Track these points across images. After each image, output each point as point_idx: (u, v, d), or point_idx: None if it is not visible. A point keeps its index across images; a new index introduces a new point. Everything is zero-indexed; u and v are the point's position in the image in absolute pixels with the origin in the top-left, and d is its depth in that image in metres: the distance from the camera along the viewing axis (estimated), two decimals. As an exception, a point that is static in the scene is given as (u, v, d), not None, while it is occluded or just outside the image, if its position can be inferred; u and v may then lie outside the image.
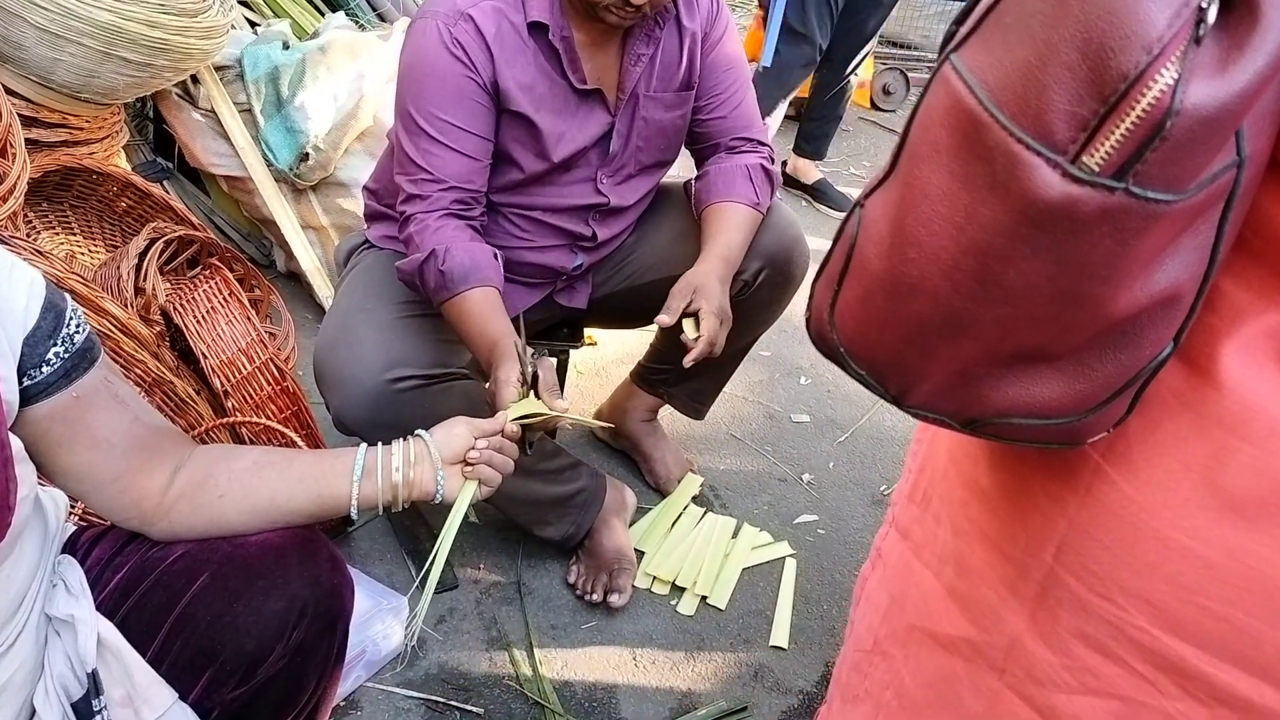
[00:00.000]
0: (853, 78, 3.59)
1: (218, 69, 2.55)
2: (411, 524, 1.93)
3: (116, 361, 1.61)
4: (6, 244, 1.52)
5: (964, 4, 0.51)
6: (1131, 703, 0.58)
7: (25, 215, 2.12)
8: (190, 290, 1.75)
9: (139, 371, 1.66)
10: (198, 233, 2.21)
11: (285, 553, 1.04)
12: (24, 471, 0.94)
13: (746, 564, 2.02)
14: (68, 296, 0.99)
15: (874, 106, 5.02)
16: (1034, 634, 0.62)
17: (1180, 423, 0.55)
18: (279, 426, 1.65)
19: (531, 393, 1.33)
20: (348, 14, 3.04)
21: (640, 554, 1.98)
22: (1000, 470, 0.65)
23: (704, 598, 1.92)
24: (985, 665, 0.66)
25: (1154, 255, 0.47)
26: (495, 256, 1.56)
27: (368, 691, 1.63)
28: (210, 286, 1.74)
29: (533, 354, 1.38)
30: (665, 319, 1.56)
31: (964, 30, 0.49)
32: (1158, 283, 0.48)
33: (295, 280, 2.68)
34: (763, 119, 2.01)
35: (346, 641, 1.11)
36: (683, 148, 1.86)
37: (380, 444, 1.14)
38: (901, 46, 5.43)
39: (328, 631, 1.05)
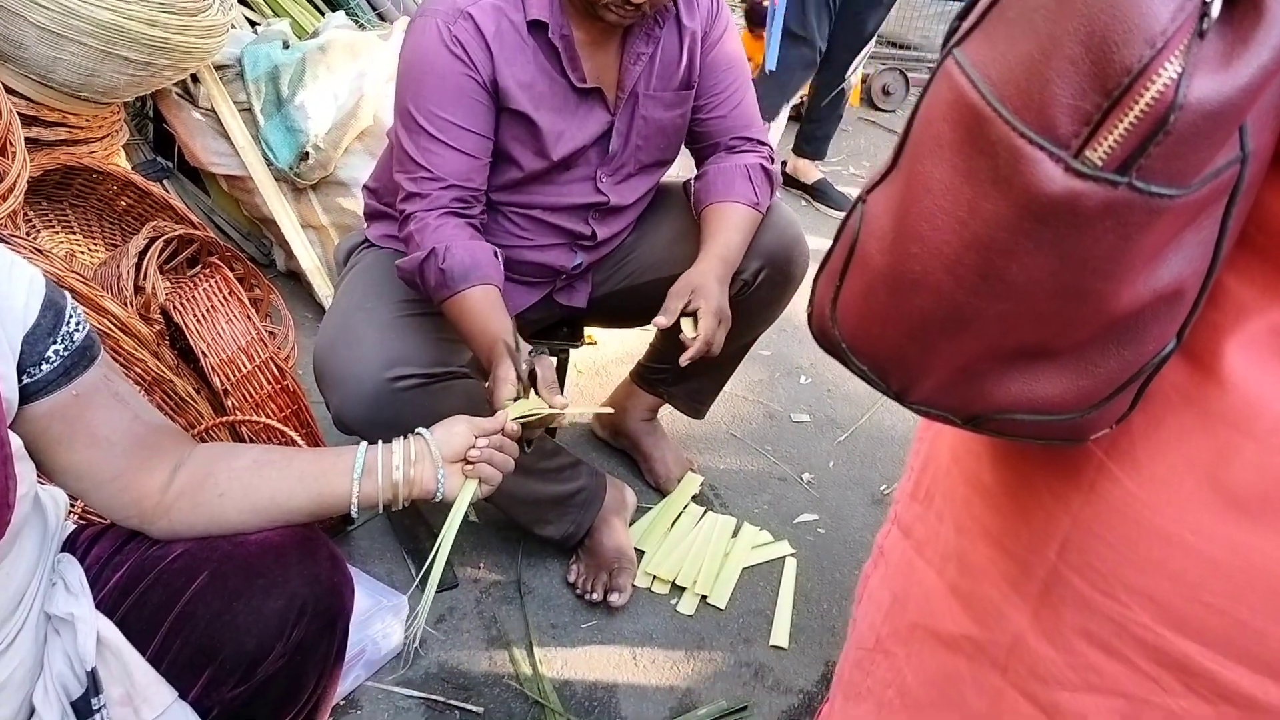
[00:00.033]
0: (853, 78, 3.60)
1: (218, 68, 2.55)
2: (411, 523, 1.93)
3: (116, 360, 1.61)
4: (6, 242, 1.51)
5: (965, 2, 0.51)
6: (1135, 700, 0.58)
7: (25, 214, 2.12)
8: (190, 289, 1.75)
9: (139, 370, 1.66)
10: (197, 232, 2.21)
11: (285, 551, 1.04)
12: (23, 469, 0.94)
13: (746, 563, 2.02)
14: (67, 294, 0.99)
15: (872, 106, 5.02)
16: (1037, 631, 0.62)
17: (1184, 420, 0.54)
18: (279, 425, 1.65)
19: (531, 391, 1.33)
20: (348, 13, 3.04)
21: (640, 553, 1.98)
22: (1003, 467, 0.65)
23: (704, 597, 1.92)
24: (988, 663, 0.66)
25: (1157, 250, 0.47)
26: (495, 254, 1.56)
27: (367, 690, 1.62)
28: (210, 285, 1.74)
29: (530, 351, 1.38)
30: (662, 320, 1.56)
31: (967, 25, 0.49)
32: (1161, 278, 0.48)
33: (295, 279, 2.68)
34: (766, 124, 2.01)
35: (346, 640, 1.11)
36: (682, 147, 1.86)
37: (380, 442, 1.14)
38: (901, 47, 5.44)
39: (328, 630, 1.05)
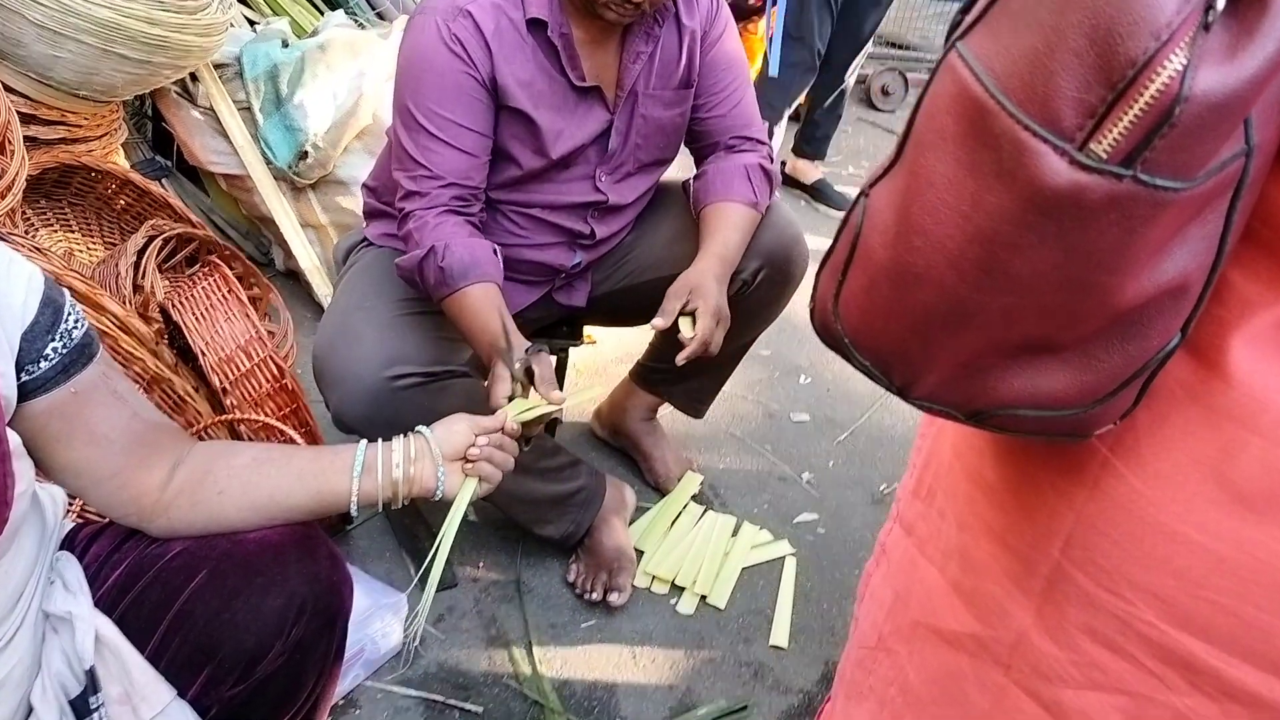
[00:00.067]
0: (851, 78, 3.61)
1: (217, 67, 2.55)
2: (411, 522, 1.93)
3: (115, 359, 1.61)
4: (5, 240, 1.51)
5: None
6: (1139, 698, 0.58)
7: (23, 212, 2.11)
8: (189, 287, 1.75)
9: (137, 369, 1.66)
10: (196, 230, 2.21)
11: (284, 550, 1.04)
12: (22, 467, 0.94)
13: (746, 563, 2.02)
14: (66, 292, 0.99)
15: (871, 106, 5.02)
16: (1040, 629, 0.62)
17: (1189, 416, 0.54)
18: (278, 424, 1.65)
19: (531, 389, 1.33)
20: (347, 12, 3.03)
21: (640, 553, 1.98)
22: (1006, 464, 0.64)
23: (704, 596, 1.92)
24: (991, 661, 0.65)
25: (1162, 244, 0.46)
26: (495, 252, 1.55)
27: (366, 690, 1.62)
28: (209, 284, 1.73)
29: (528, 349, 1.37)
30: (660, 322, 1.56)
31: (970, 18, 0.48)
32: (1165, 272, 0.47)
33: (294, 279, 2.68)
34: (769, 129, 2.01)
35: (345, 639, 1.11)
36: (682, 146, 1.86)
37: (380, 440, 1.13)
38: (899, 47, 5.44)
39: (327, 629, 1.05)
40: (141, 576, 1.02)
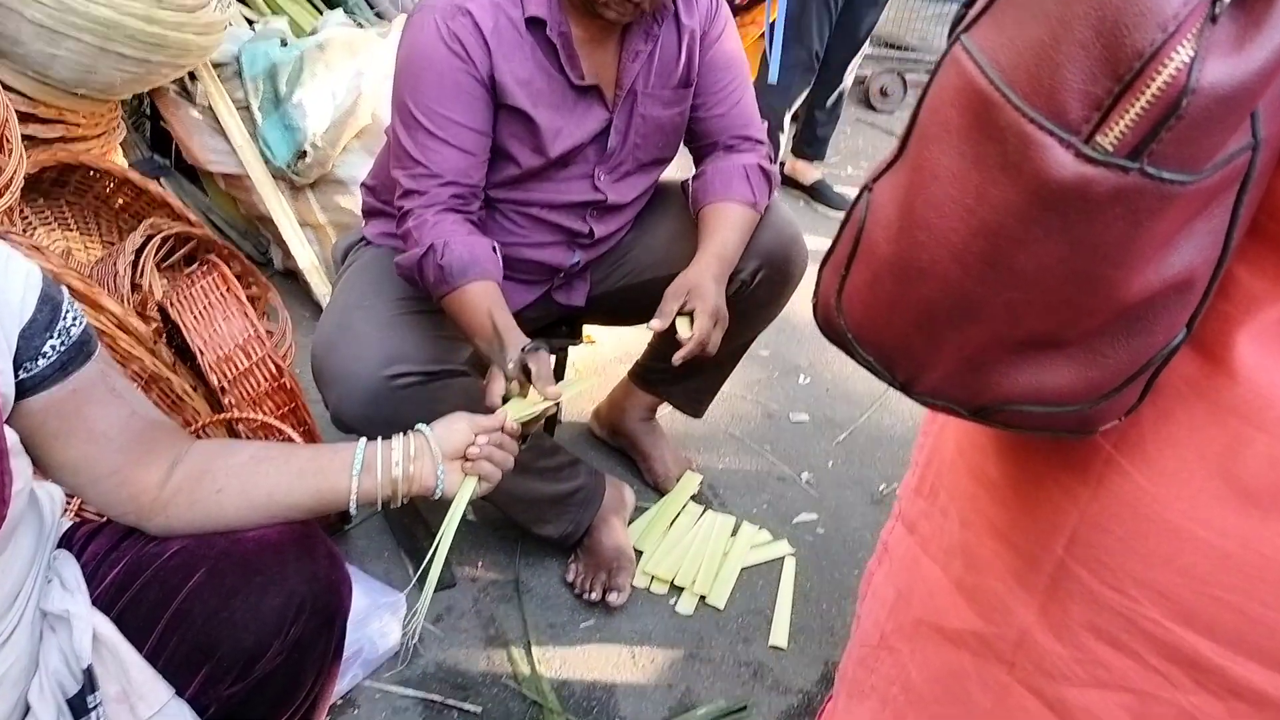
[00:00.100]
0: (849, 79, 3.62)
1: (215, 66, 2.54)
2: (409, 522, 1.92)
3: (113, 358, 1.60)
4: (3, 238, 1.51)
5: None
6: (1144, 696, 0.57)
7: (21, 211, 2.11)
8: (187, 286, 1.74)
9: (135, 368, 1.65)
10: (195, 229, 2.20)
11: (283, 548, 1.03)
12: (19, 465, 0.94)
13: (745, 563, 2.02)
14: (64, 289, 0.99)
15: (870, 108, 5.02)
16: (1044, 627, 0.61)
17: (1194, 412, 0.54)
18: (276, 423, 1.64)
19: (530, 389, 1.33)
20: (346, 12, 3.03)
21: (639, 552, 1.97)
22: (1010, 461, 0.64)
23: (703, 597, 1.91)
24: (994, 659, 0.65)
25: (1168, 238, 0.46)
26: (494, 250, 1.55)
27: (365, 690, 1.62)
28: (207, 282, 1.73)
29: (524, 347, 1.37)
30: (657, 324, 1.56)
31: (974, 11, 0.48)
32: (1171, 266, 0.47)
33: (292, 278, 2.67)
34: (771, 134, 2.01)
35: (344, 638, 1.11)
36: (681, 145, 1.85)
37: (380, 439, 1.13)
38: (898, 48, 5.45)
39: (326, 627, 1.05)
40: (139, 575, 1.01)
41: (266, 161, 2.53)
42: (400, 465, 1.10)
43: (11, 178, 1.70)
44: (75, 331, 0.97)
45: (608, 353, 2.64)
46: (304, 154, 2.48)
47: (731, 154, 1.80)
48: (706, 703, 1.70)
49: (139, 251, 1.93)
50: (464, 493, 1.16)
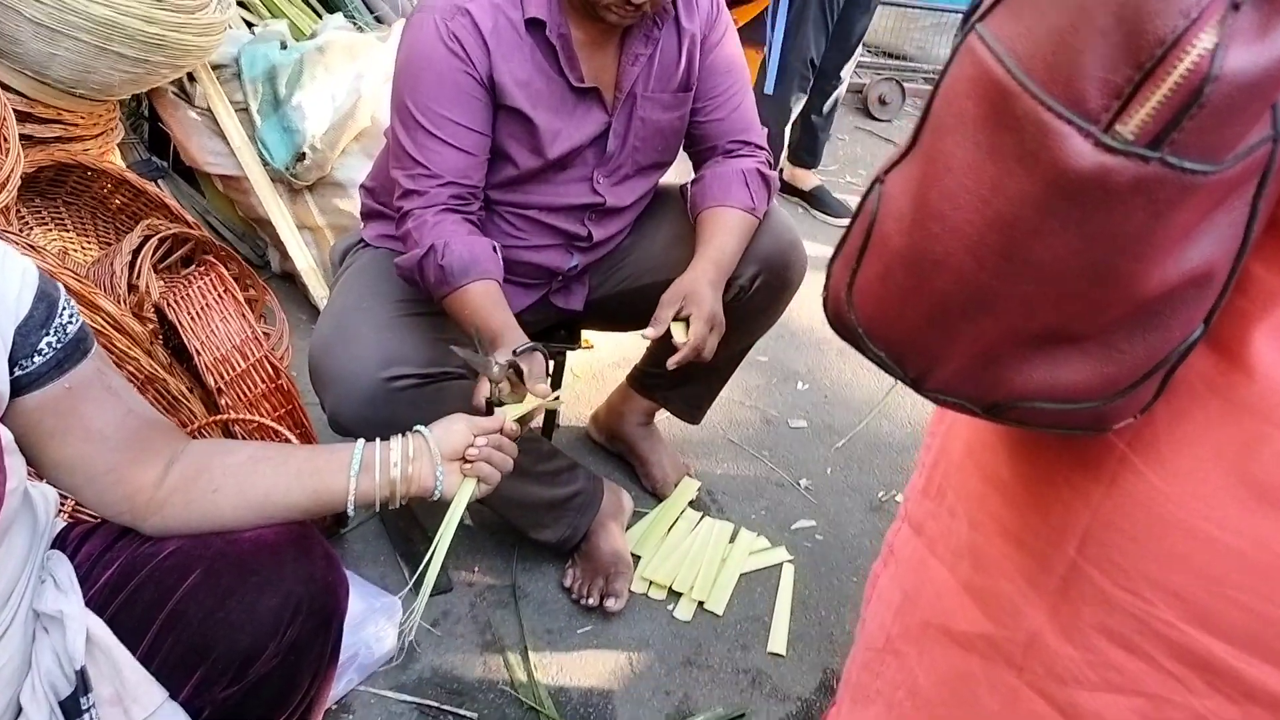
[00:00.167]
0: (843, 85, 3.63)
1: (215, 68, 2.54)
2: (405, 526, 1.91)
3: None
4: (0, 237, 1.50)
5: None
6: (1157, 700, 0.56)
7: (18, 211, 2.10)
8: (184, 286, 1.73)
9: (131, 369, 1.64)
10: (192, 230, 2.19)
11: (279, 549, 1.02)
12: (14, 463, 0.93)
13: (744, 569, 2.01)
14: (60, 286, 0.98)
15: (869, 116, 5.03)
16: (1055, 629, 0.60)
17: (1209, 410, 0.53)
18: (273, 424, 1.63)
19: (526, 391, 1.33)
20: (346, 16, 3.02)
21: (636, 558, 1.96)
22: (1021, 461, 0.63)
23: (701, 603, 1.90)
24: (1003, 662, 0.64)
25: (1187, 230, 0.45)
26: (494, 250, 1.55)
27: (360, 695, 1.60)
28: (205, 283, 1.72)
29: (515, 349, 1.37)
30: (651, 332, 1.56)
31: (989, 0, 0.47)
32: (1190, 259, 0.46)
33: (290, 281, 2.66)
34: (771, 141, 2.01)
35: (341, 641, 1.10)
36: (681, 150, 1.85)
37: (379, 439, 1.12)
38: (896, 57, 5.47)
39: (322, 629, 1.04)
40: (134, 575, 1.00)
41: (265, 164, 2.52)
42: (399, 466, 1.10)
43: (8, 177, 1.69)
44: (71, 329, 0.96)
45: (605, 357, 2.64)
46: (303, 156, 2.47)
47: (730, 159, 1.79)
48: (704, 710, 1.69)
49: (136, 252, 1.92)
50: (463, 494, 1.15)
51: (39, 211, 2.22)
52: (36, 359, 0.93)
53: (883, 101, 5.03)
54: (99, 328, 1.58)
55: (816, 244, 3.22)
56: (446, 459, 1.13)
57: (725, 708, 1.70)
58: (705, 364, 1.62)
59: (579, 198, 1.72)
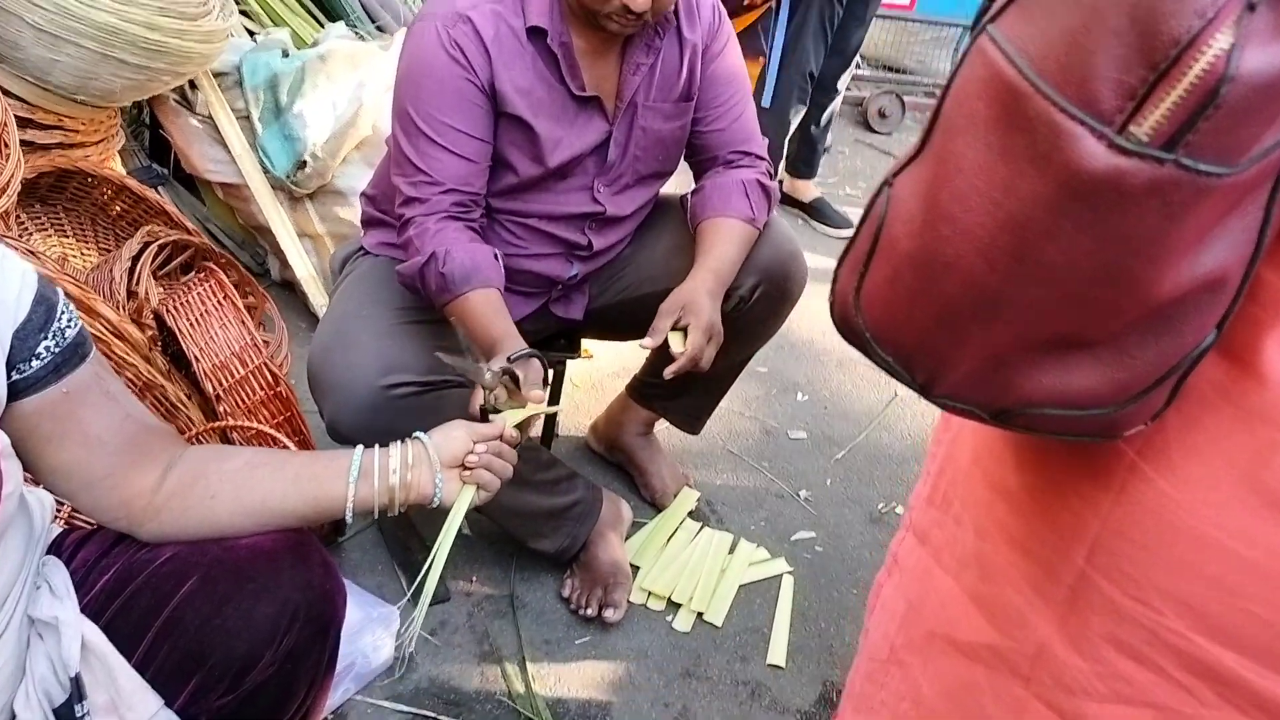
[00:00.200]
0: (840, 97, 3.64)
1: (216, 75, 2.54)
2: (403, 535, 1.90)
3: (107, 364, 1.59)
4: (-3, 242, 1.49)
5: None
6: (1167, 711, 0.55)
7: (18, 216, 2.09)
8: (184, 293, 1.72)
9: (129, 375, 1.63)
10: (192, 238, 2.19)
11: (277, 555, 1.01)
12: (10, 468, 0.92)
13: (743, 580, 2.00)
14: (59, 290, 0.97)
15: (869, 129, 5.04)
16: (1063, 639, 0.59)
17: (1221, 418, 0.52)
18: (271, 431, 1.62)
19: (520, 396, 1.32)
20: (348, 24, 3.03)
21: (635, 568, 1.95)
22: (1028, 469, 0.62)
23: (700, 614, 1.89)
24: (1009, 673, 0.63)
25: (1201, 234, 0.45)
26: (495, 257, 1.54)
27: (356, 705, 1.59)
28: (204, 290, 1.71)
29: (510, 356, 1.36)
30: (648, 342, 1.55)
31: (1000, 1, 0.47)
32: (1204, 264, 0.46)
33: (289, 289, 2.65)
34: (771, 153, 2.01)
35: (338, 649, 1.08)
36: (681, 160, 1.84)
37: (378, 446, 1.11)
38: (896, 71, 5.48)
39: (319, 637, 1.03)
40: (130, 582, 0.99)
41: (266, 171, 2.52)
42: (398, 473, 1.09)
43: (8, 182, 1.69)
44: (70, 333, 0.95)
45: (605, 367, 2.63)
46: (303, 164, 2.47)
47: (731, 169, 1.79)
48: (703, 721, 1.68)
49: (135, 258, 1.92)
50: (462, 502, 1.15)
51: (39, 217, 2.22)
52: (34, 363, 0.92)
53: (883, 115, 5.04)
54: (98, 334, 1.57)
55: (816, 256, 3.22)
56: (446, 466, 1.13)
57: (724, 719, 1.69)
58: (705, 374, 1.61)
59: (579, 206, 1.72)
